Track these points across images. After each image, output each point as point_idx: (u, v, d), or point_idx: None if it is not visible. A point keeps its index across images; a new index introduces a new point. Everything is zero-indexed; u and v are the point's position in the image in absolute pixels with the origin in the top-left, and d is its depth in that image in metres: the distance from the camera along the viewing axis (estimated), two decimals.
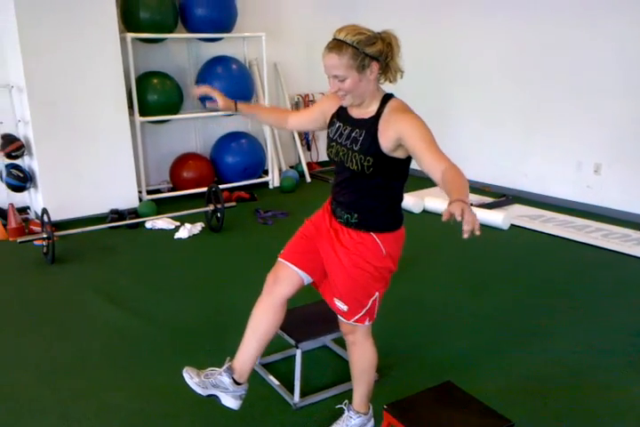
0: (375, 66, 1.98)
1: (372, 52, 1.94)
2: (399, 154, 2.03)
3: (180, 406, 2.63)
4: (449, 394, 2.13)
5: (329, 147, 2.18)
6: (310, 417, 2.53)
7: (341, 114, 2.16)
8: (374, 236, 2.14)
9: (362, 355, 2.28)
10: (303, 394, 2.61)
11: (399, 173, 2.14)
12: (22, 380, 2.89)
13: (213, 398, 2.23)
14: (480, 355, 2.99)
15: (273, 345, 2.94)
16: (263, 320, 2.25)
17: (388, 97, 2.08)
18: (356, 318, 2.19)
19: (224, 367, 2.25)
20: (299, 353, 2.59)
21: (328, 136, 2.19)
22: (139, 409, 2.62)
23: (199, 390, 2.20)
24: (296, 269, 2.26)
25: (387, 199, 2.17)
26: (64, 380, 2.88)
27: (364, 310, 2.18)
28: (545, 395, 2.67)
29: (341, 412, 2.42)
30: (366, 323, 2.22)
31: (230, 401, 2.21)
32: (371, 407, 2.42)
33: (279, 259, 2.36)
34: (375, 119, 2.02)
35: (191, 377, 2.22)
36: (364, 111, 2.07)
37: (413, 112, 2.02)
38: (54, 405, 2.67)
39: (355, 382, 2.35)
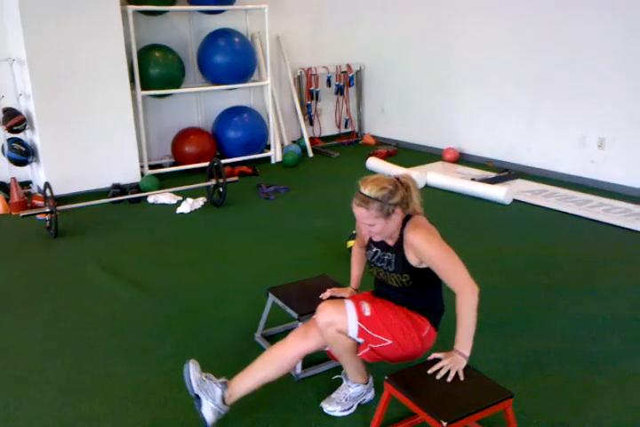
0: (399, 211, 2.21)
1: (395, 201, 2.18)
2: (426, 265, 2.24)
3: (183, 378, 2.66)
4: None
5: (370, 268, 2.43)
6: (311, 388, 2.57)
7: (374, 241, 2.37)
8: (427, 320, 2.32)
9: (335, 343, 2.27)
10: (304, 366, 2.64)
11: (434, 278, 2.26)
12: (27, 352, 2.93)
13: (194, 401, 2.24)
14: (480, 328, 3.00)
15: (276, 318, 2.99)
16: (277, 364, 2.30)
17: (407, 219, 2.26)
18: (364, 328, 2.21)
19: (221, 380, 2.27)
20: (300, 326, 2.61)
21: (367, 259, 2.45)
22: (143, 380, 2.66)
23: (193, 385, 2.22)
24: None
25: (428, 302, 2.36)
26: (69, 351, 2.92)
27: (375, 335, 2.21)
28: (544, 368, 2.70)
29: (341, 381, 2.47)
30: (357, 337, 2.23)
31: (209, 412, 2.21)
32: (370, 377, 2.46)
33: (315, 315, 2.36)
34: (400, 244, 2.26)
35: (194, 371, 2.25)
36: (391, 239, 2.30)
37: (425, 232, 2.21)
38: (59, 376, 2.71)
39: (340, 361, 2.39)
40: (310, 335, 2.30)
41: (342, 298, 2.45)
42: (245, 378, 2.28)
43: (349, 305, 2.26)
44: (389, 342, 2.23)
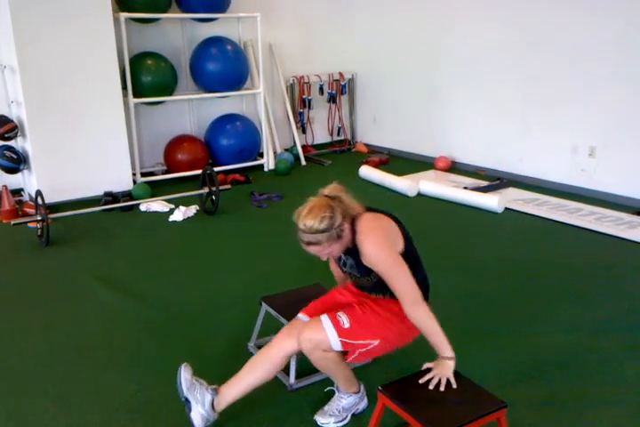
0: (345, 224, 2.12)
1: (339, 222, 2.09)
2: None
3: (175, 388, 2.64)
4: None
5: (342, 270, 2.40)
6: (305, 398, 2.56)
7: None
8: None
9: (320, 361, 2.26)
10: (298, 376, 2.63)
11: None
12: (19, 362, 2.90)
13: (185, 404, 2.24)
14: (473, 337, 3.02)
15: (269, 327, 2.97)
16: (264, 366, 2.29)
17: (354, 223, 2.16)
18: (346, 340, 2.19)
19: (213, 387, 2.27)
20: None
21: (338, 264, 2.40)
22: (135, 390, 2.65)
23: (183, 388, 2.23)
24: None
25: None
26: (61, 362, 2.89)
27: (358, 342, 2.20)
28: (537, 377, 2.70)
29: (334, 392, 2.46)
30: (341, 349, 2.21)
31: (197, 417, 2.21)
32: (362, 386, 2.45)
33: (299, 314, 2.39)
34: (355, 247, 2.16)
35: (185, 373, 2.25)
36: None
37: (374, 242, 2.12)
38: (52, 387, 2.69)
39: (330, 377, 2.38)
40: (294, 333, 2.28)
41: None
42: (234, 384, 2.28)
43: (326, 322, 2.21)
44: (376, 342, 2.22)
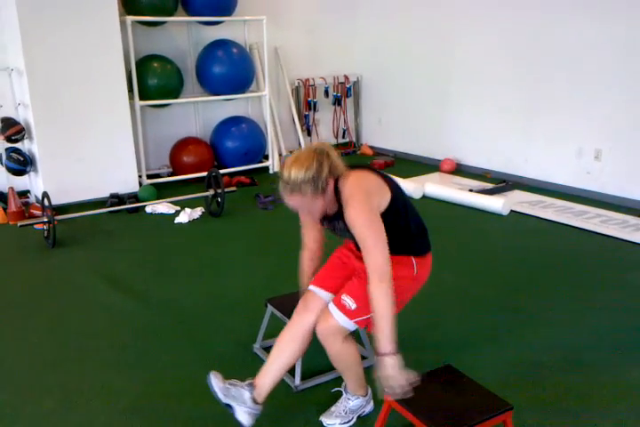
0: (330, 180, 2.07)
1: (324, 174, 2.04)
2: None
3: (182, 387, 2.66)
4: (449, 377, 2.16)
5: (334, 234, 2.35)
6: (311, 399, 2.57)
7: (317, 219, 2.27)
8: (411, 257, 2.27)
9: (340, 356, 2.27)
10: (304, 377, 2.64)
11: (395, 224, 2.18)
12: (26, 363, 2.92)
13: (228, 410, 2.23)
14: (479, 340, 3.02)
15: (275, 329, 2.97)
16: (290, 346, 2.29)
17: (337, 186, 2.11)
18: (359, 319, 2.19)
19: (247, 382, 2.26)
20: None
21: (329, 229, 2.34)
22: (142, 391, 2.65)
23: (220, 396, 2.21)
24: (324, 293, 2.32)
25: (404, 237, 2.26)
26: (67, 362, 2.91)
27: (370, 315, 2.16)
28: (542, 379, 2.70)
29: (341, 394, 2.46)
30: (361, 327, 2.22)
31: (244, 417, 2.20)
32: (369, 389, 2.45)
33: (310, 286, 2.38)
34: (341, 210, 2.11)
35: (217, 382, 2.23)
36: (330, 206, 2.17)
37: (356, 207, 2.05)
38: (58, 387, 2.70)
39: (342, 374, 2.38)
40: (311, 307, 2.29)
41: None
42: (267, 372, 2.28)
43: (334, 310, 2.21)
44: None
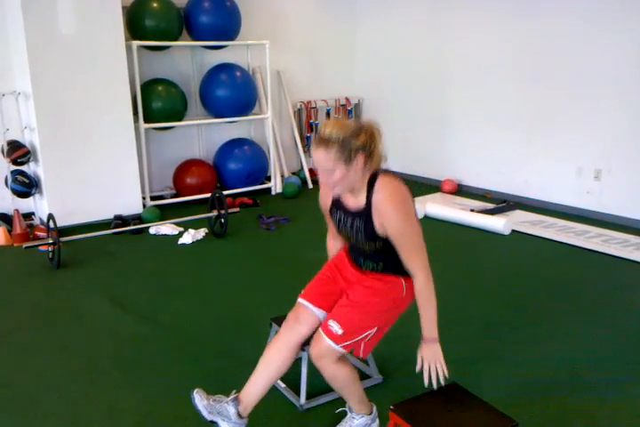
0: (361, 157, 2.07)
1: (357, 145, 2.05)
2: None
3: (188, 408, 2.64)
4: (455, 395, 2.17)
5: (338, 231, 2.32)
6: (316, 419, 2.57)
7: (338, 205, 2.27)
8: (401, 279, 2.26)
9: (335, 377, 2.28)
10: (309, 396, 2.64)
11: None
12: (32, 384, 2.92)
13: (214, 425, 2.25)
14: (483, 358, 3.03)
15: None
16: (278, 358, 2.30)
17: (373, 181, 2.14)
18: (345, 344, 2.21)
19: (231, 397, 2.27)
20: (305, 356, 2.62)
21: (334, 222, 2.32)
22: (148, 412, 2.66)
23: (205, 413, 2.22)
24: (315, 309, 2.34)
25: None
26: (73, 384, 2.91)
27: (358, 338, 2.22)
28: (546, 397, 2.71)
29: (346, 413, 2.46)
30: (347, 351, 2.23)
31: None
32: (374, 407, 2.46)
33: (299, 299, 2.40)
34: (367, 209, 2.13)
35: (201, 399, 2.24)
36: (356, 200, 2.18)
37: (395, 199, 2.10)
38: (64, 408, 2.70)
39: (341, 394, 2.39)
40: (302, 319, 2.31)
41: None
42: (253, 385, 2.29)
43: (322, 334, 2.24)
44: (374, 329, 2.24)
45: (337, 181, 2.08)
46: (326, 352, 2.22)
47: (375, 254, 2.26)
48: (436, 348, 2.17)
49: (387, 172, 2.17)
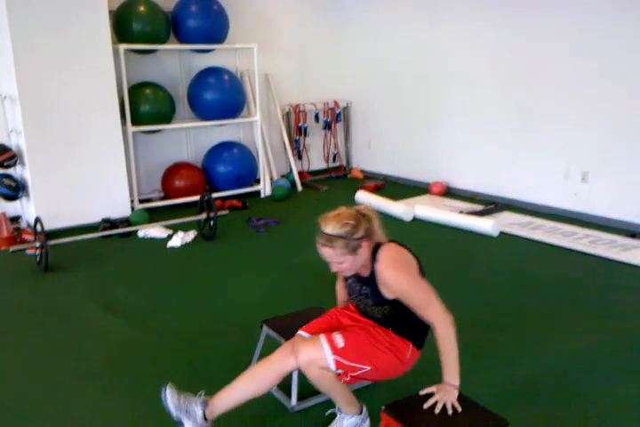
0: (365, 244, 2.20)
1: (360, 235, 2.17)
2: None
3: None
4: None
5: (350, 296, 2.45)
6: (307, 420, 2.56)
7: (346, 275, 2.39)
8: (410, 344, 2.34)
9: (320, 380, 2.27)
10: (300, 398, 2.64)
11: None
12: (21, 387, 2.90)
13: (178, 424, 2.24)
14: (472, 359, 3.03)
15: (270, 350, 2.97)
16: (260, 381, 2.30)
17: (375, 251, 2.26)
18: (340, 359, 2.21)
19: (201, 399, 2.27)
20: None
21: (346, 288, 2.46)
22: (137, 415, 2.64)
23: (172, 410, 2.22)
24: None
25: (415, 321, 2.30)
26: (63, 387, 2.89)
27: (351, 364, 2.22)
28: (537, 397, 2.72)
29: (336, 414, 2.46)
30: (336, 367, 2.23)
31: None
32: (364, 407, 2.46)
33: (300, 331, 2.42)
34: (372, 277, 2.25)
35: (171, 396, 2.24)
36: (363, 269, 2.30)
37: (394, 266, 2.21)
38: (52, 412, 2.68)
39: (328, 396, 2.39)
40: (295, 352, 2.30)
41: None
42: (227, 396, 2.28)
43: (323, 340, 2.25)
44: (368, 368, 2.25)
45: (347, 269, 2.24)
46: (317, 360, 2.22)
47: (385, 320, 2.33)
48: (453, 391, 2.13)
49: (389, 242, 2.29)
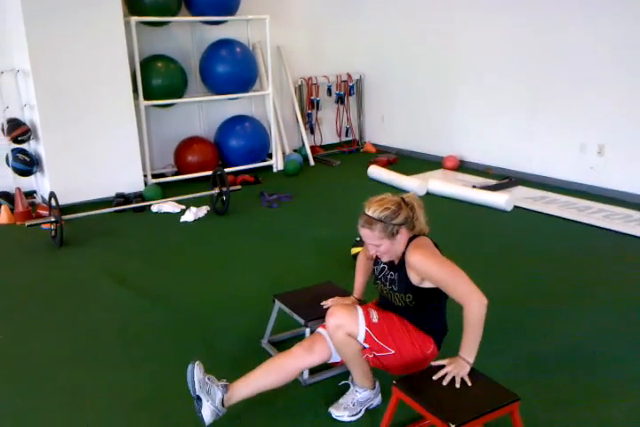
0: (404, 231, 2.25)
1: (399, 221, 2.22)
2: (428, 284, 2.26)
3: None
4: None
5: (375, 283, 2.47)
6: (319, 393, 2.60)
7: (382, 260, 2.39)
8: (432, 339, 2.35)
9: (344, 347, 2.30)
10: (312, 371, 2.67)
11: (437, 298, 2.32)
12: (35, 360, 2.95)
13: (195, 401, 2.26)
14: (485, 333, 3.04)
15: (283, 324, 3.02)
16: (278, 375, 2.34)
17: (410, 240, 2.29)
18: (370, 333, 2.25)
19: (223, 383, 2.30)
20: (307, 332, 2.64)
21: (374, 273, 2.48)
22: (151, 388, 2.69)
23: (196, 386, 2.24)
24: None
25: (438, 315, 2.39)
26: (77, 360, 2.94)
27: (379, 342, 2.26)
28: (549, 371, 2.73)
29: (349, 387, 2.49)
30: (364, 340, 2.26)
31: (207, 414, 2.23)
32: (377, 382, 2.48)
33: (319, 329, 2.43)
34: (402, 263, 2.28)
35: (198, 372, 2.27)
36: (396, 258, 2.33)
37: (422, 252, 2.23)
38: (67, 384, 2.74)
39: (347, 365, 2.41)
40: (316, 350, 2.35)
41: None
42: (246, 384, 2.32)
43: (359, 310, 2.31)
44: (392, 351, 2.27)
45: (383, 253, 2.27)
46: (347, 325, 2.25)
47: (405, 310, 2.34)
48: (466, 366, 2.12)
49: (422, 236, 2.31)
